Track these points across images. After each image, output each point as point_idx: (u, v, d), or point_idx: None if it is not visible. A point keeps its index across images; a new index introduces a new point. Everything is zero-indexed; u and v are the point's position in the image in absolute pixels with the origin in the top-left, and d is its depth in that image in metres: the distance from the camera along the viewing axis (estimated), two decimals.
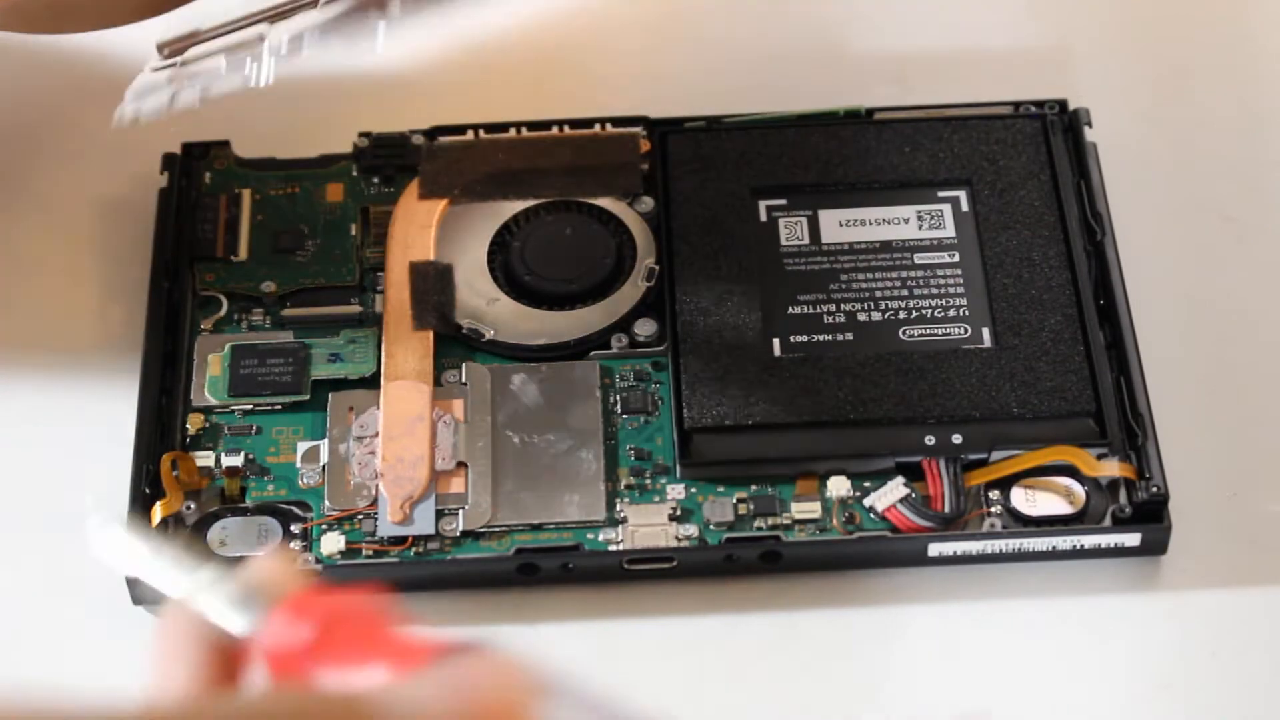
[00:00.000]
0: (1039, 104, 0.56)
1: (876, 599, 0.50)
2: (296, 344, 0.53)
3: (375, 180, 0.57)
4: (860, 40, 0.62)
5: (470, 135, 0.57)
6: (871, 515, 0.50)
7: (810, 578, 0.50)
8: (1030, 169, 0.55)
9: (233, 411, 0.52)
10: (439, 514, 0.50)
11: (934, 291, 0.53)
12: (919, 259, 0.53)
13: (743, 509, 0.50)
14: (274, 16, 0.50)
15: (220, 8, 0.50)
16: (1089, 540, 0.49)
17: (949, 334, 0.52)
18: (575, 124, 0.57)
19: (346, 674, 0.33)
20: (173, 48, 0.50)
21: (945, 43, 0.61)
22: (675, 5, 0.63)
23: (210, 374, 0.53)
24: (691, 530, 0.50)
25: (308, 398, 0.52)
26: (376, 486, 0.50)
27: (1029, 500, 0.50)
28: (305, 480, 0.51)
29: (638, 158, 0.56)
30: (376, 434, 0.51)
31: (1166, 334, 0.54)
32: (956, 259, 0.53)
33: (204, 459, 0.51)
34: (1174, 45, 0.61)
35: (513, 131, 0.57)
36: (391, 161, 0.57)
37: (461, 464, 0.51)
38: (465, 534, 0.50)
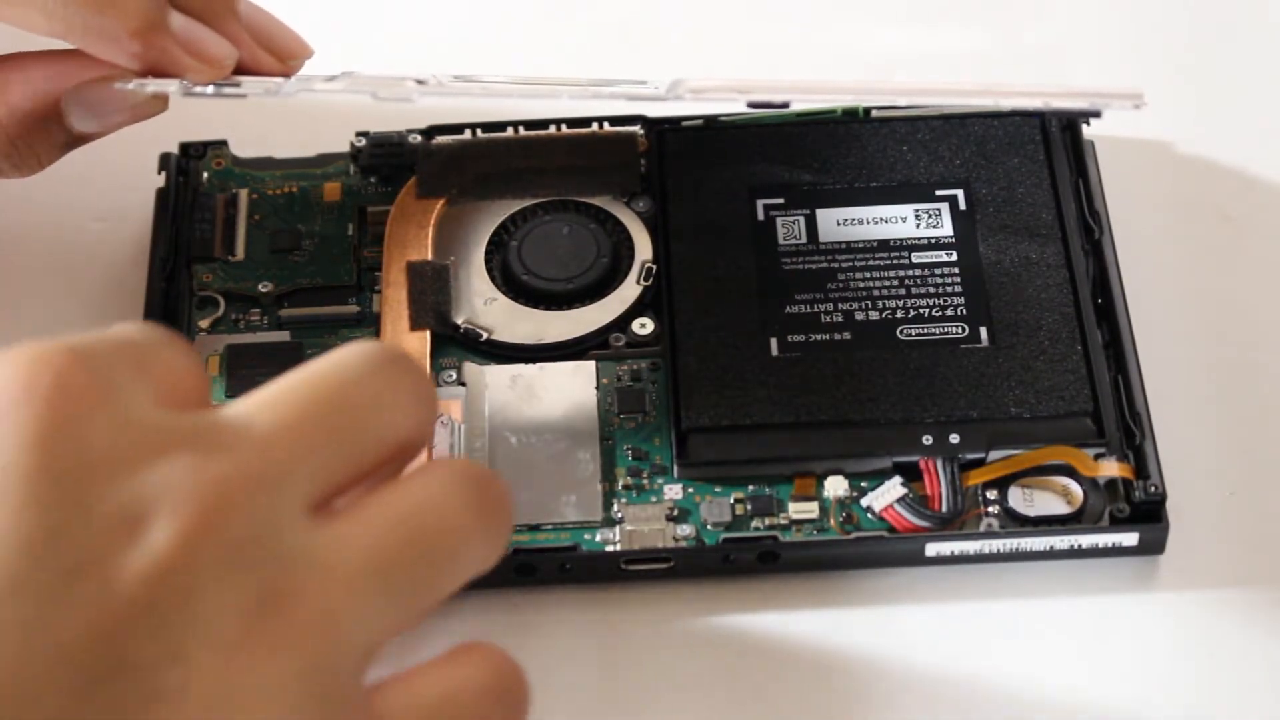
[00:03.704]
0: None
1: (874, 599, 0.50)
2: (294, 344, 0.53)
3: (373, 180, 0.57)
4: (860, 39, 0.62)
5: (467, 134, 0.57)
6: (869, 515, 0.50)
7: (807, 578, 0.50)
8: (1028, 168, 0.55)
9: None
10: None
11: (932, 290, 0.53)
12: (917, 258, 0.53)
13: (740, 509, 0.50)
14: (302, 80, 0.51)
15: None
16: (1087, 540, 0.49)
17: (947, 333, 0.52)
18: (573, 123, 0.57)
19: None
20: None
21: (944, 42, 0.61)
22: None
23: (208, 374, 0.53)
24: (689, 530, 0.50)
25: None
26: None
27: (1027, 500, 0.50)
28: None
29: (635, 157, 0.56)
30: None
31: (1164, 333, 0.54)
32: (954, 258, 0.53)
33: None
34: (1173, 44, 0.61)
35: (510, 130, 0.57)
36: (389, 161, 0.57)
37: None
38: None
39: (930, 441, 0.50)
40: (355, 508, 0.35)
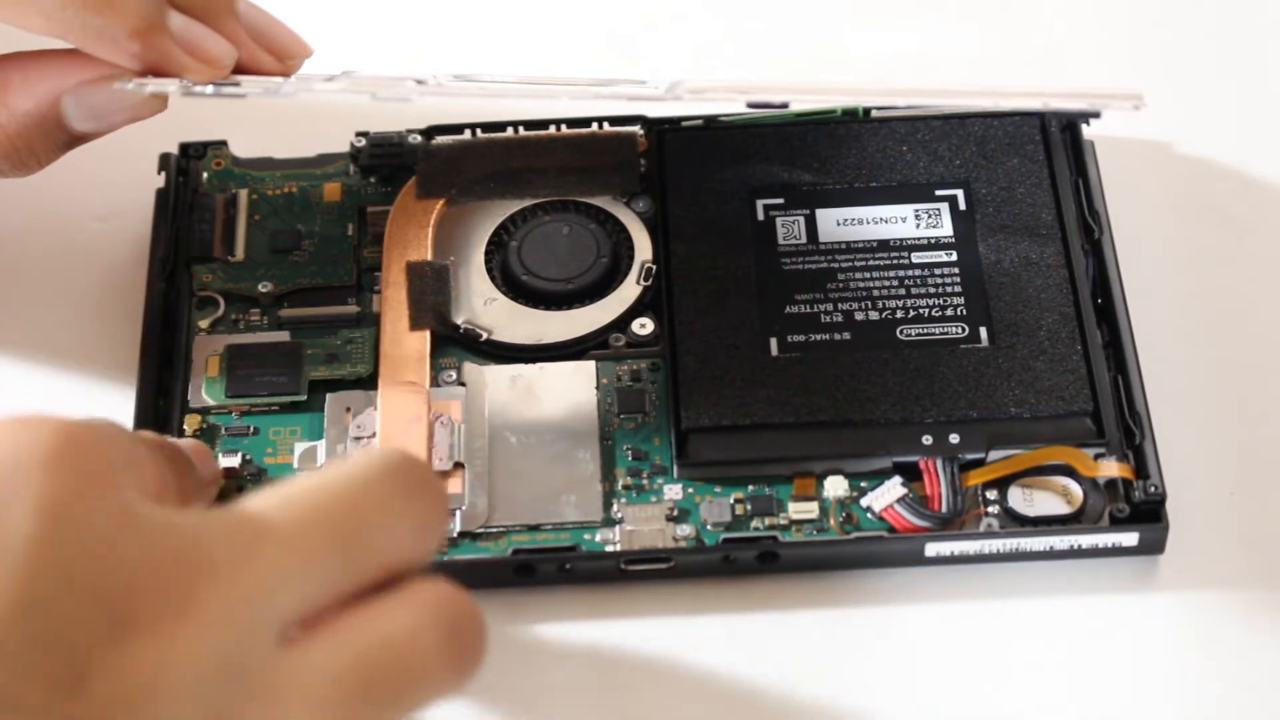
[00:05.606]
0: None
1: (874, 599, 0.50)
2: (293, 344, 0.53)
3: (372, 180, 0.57)
4: (860, 39, 0.62)
5: (467, 134, 0.57)
6: (869, 515, 0.50)
7: (807, 578, 0.50)
8: (1028, 168, 0.55)
9: (230, 412, 0.52)
10: None
11: (931, 291, 0.53)
12: (916, 258, 0.53)
13: (740, 509, 0.50)
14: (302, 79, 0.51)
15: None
16: (1086, 540, 0.49)
17: (946, 333, 0.52)
18: (573, 123, 0.57)
19: None
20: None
21: (944, 42, 0.61)
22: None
23: (207, 375, 0.53)
24: (689, 531, 0.50)
25: (305, 398, 0.52)
26: None
27: (1026, 500, 0.50)
28: None
29: (635, 157, 0.56)
30: (374, 435, 0.51)
31: (1164, 333, 0.54)
32: (954, 258, 0.53)
33: None
34: (1173, 44, 0.61)
35: (510, 130, 0.57)
36: (389, 161, 0.57)
37: (459, 464, 0.51)
38: (462, 534, 0.50)
39: (930, 441, 0.50)
40: (327, 630, 0.35)
